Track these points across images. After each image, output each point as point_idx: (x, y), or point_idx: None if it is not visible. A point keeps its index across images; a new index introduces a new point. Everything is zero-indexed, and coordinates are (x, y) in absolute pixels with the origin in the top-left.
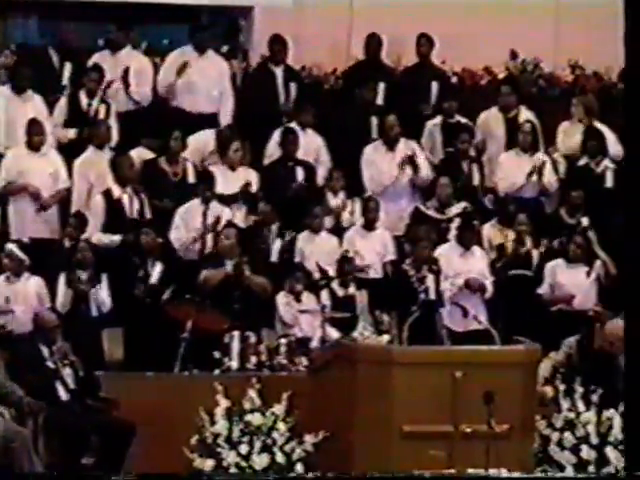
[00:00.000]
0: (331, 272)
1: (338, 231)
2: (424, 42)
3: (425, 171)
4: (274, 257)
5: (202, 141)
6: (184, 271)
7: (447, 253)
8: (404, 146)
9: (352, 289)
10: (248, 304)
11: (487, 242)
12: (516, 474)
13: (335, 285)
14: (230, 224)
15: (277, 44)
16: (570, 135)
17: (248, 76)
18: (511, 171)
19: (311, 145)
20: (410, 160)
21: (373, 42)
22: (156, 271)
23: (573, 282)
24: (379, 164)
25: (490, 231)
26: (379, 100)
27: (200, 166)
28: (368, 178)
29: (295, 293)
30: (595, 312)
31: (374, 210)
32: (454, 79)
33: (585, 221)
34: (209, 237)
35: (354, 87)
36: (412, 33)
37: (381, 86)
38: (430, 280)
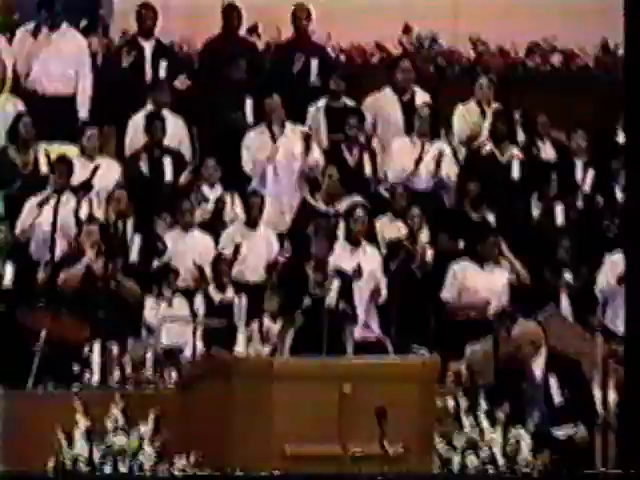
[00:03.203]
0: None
1: (214, 228)
2: (300, 14)
3: (315, 154)
4: (134, 257)
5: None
6: (36, 273)
7: (335, 251)
8: (291, 132)
9: (230, 293)
10: (113, 310)
11: (382, 239)
12: None
13: (211, 289)
14: (92, 218)
15: (147, 12)
16: (469, 119)
17: (110, 53)
18: (404, 159)
19: (175, 130)
20: (306, 141)
21: (230, 14)
22: (8, 273)
23: (486, 286)
24: (261, 150)
25: (384, 226)
26: (240, 77)
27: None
28: (250, 167)
29: (165, 298)
30: (503, 313)
31: (258, 205)
32: (341, 57)
33: (491, 217)
34: (63, 233)
35: (220, 65)
36: (294, 3)
37: (242, 64)
38: (333, 283)
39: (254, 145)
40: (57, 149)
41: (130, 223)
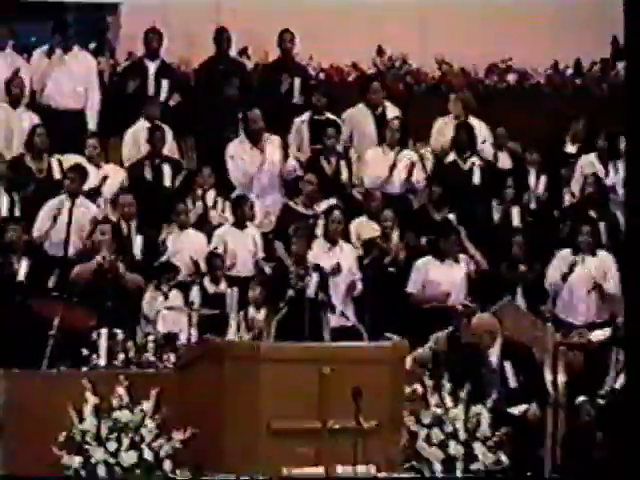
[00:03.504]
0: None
1: (207, 229)
2: (286, 37)
3: (292, 162)
4: (137, 254)
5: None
6: (52, 268)
7: (315, 249)
8: (269, 141)
9: (223, 286)
10: (120, 301)
11: (356, 238)
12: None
13: (206, 282)
14: (106, 219)
15: (154, 36)
16: (443, 132)
17: (117, 72)
18: (377, 167)
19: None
20: (284, 150)
21: (221, 37)
22: (23, 268)
23: (447, 279)
24: (244, 159)
25: (359, 226)
26: (234, 94)
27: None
28: (234, 174)
29: (162, 290)
30: (464, 306)
31: (246, 208)
32: (321, 75)
33: (452, 217)
34: (77, 232)
35: (214, 83)
36: (280, 28)
37: (234, 82)
38: (311, 277)
39: (237, 154)
40: (68, 159)
41: (133, 224)
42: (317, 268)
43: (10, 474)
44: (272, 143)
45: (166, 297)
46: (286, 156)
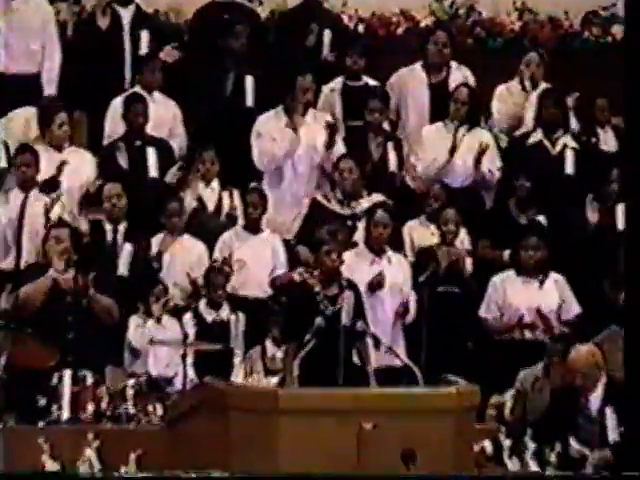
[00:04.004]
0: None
1: (208, 234)
2: None
3: (340, 148)
4: (122, 269)
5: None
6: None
7: (353, 261)
8: (313, 119)
9: (225, 312)
10: (90, 333)
11: (409, 246)
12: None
13: (202, 306)
14: (62, 222)
15: None
16: (512, 102)
17: (82, 23)
18: (436, 151)
19: (163, 115)
20: (330, 131)
21: None
22: None
23: (533, 301)
24: (276, 139)
25: (412, 231)
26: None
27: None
28: (261, 159)
29: (153, 315)
30: (556, 337)
31: (259, 205)
32: (360, 27)
33: (541, 219)
34: (31, 239)
35: (215, 35)
36: None
37: (240, 30)
38: (346, 298)
39: (268, 134)
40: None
41: (122, 228)
42: (354, 287)
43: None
44: (316, 121)
45: (158, 324)
46: (332, 140)
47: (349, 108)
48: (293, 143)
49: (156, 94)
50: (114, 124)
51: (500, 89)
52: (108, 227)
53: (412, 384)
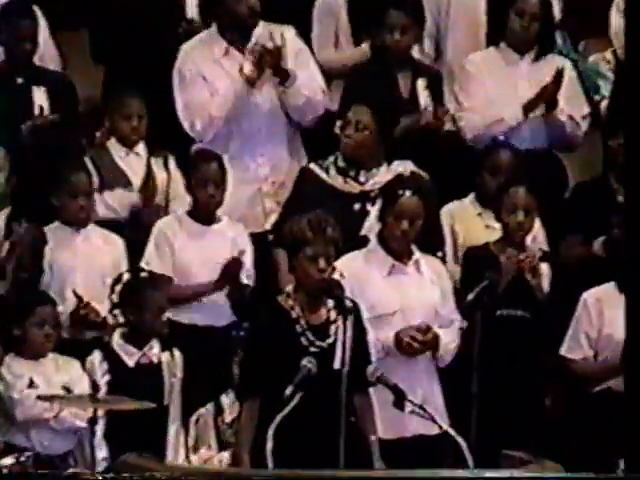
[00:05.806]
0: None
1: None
2: None
3: (318, 79)
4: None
5: None
6: None
7: (360, 267)
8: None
9: (155, 349)
10: None
11: (452, 245)
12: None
13: (118, 340)
14: None
15: None
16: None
17: None
18: (492, 91)
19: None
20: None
21: None
22: None
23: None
24: (221, 82)
25: (460, 221)
26: None
27: None
28: (201, 111)
29: (36, 352)
30: None
31: (213, 178)
32: None
33: None
34: None
35: None
36: None
37: None
38: (336, 327)
39: (197, 74)
40: None
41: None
42: (355, 310)
43: None
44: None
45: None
46: (311, 76)
47: (357, 24)
48: (241, 90)
49: None
50: None
51: None
52: None
53: (456, 464)
